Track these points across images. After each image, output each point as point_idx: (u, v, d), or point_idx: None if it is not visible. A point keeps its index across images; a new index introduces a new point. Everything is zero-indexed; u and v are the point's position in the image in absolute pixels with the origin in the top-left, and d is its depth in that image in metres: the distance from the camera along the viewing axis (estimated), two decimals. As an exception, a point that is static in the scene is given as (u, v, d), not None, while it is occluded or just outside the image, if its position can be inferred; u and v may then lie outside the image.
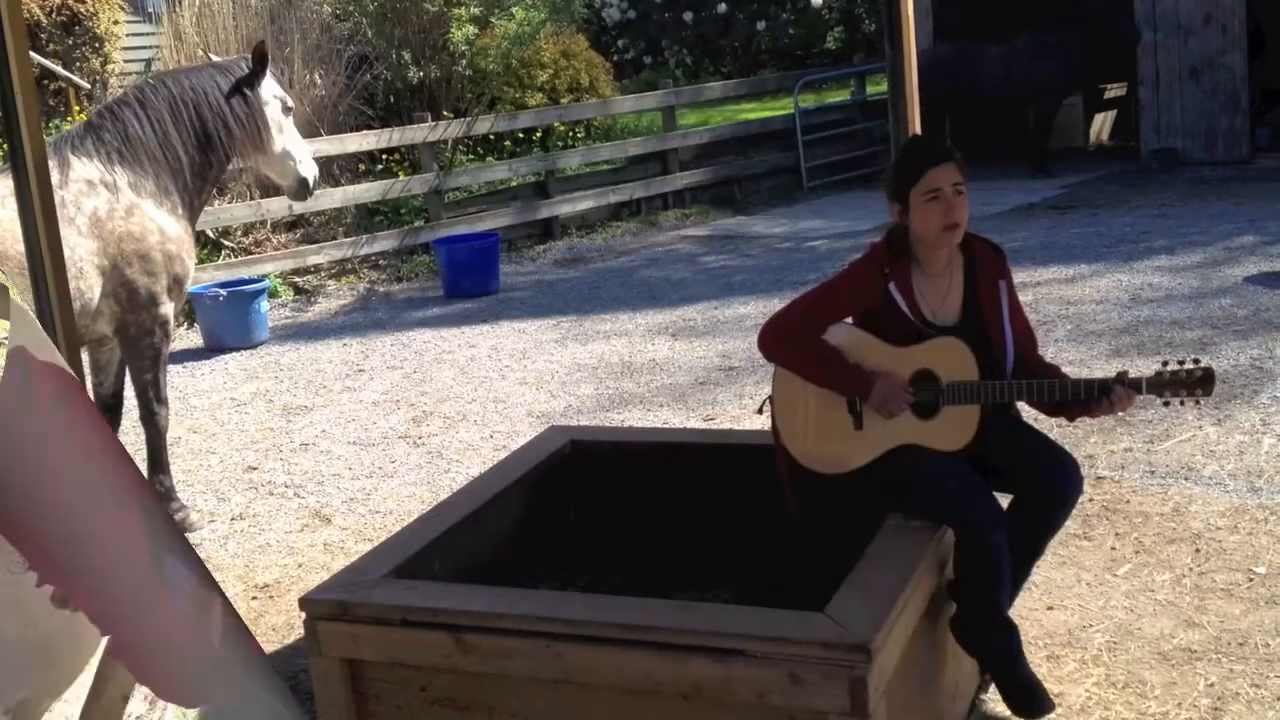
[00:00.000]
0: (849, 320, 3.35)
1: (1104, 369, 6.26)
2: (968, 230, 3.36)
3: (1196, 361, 3.19)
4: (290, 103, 5.63)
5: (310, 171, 5.72)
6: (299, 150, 5.69)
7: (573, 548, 3.98)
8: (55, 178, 5.00)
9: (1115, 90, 15.46)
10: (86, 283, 4.91)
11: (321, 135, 11.45)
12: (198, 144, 5.28)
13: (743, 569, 3.71)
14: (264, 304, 9.20)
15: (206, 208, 6.42)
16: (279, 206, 10.51)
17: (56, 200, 5.00)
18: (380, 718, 3.03)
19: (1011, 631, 3.17)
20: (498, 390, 7.20)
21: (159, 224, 5.13)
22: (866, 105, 15.22)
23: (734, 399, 6.57)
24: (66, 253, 4.83)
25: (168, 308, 5.21)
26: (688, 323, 8.46)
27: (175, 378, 8.24)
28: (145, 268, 5.08)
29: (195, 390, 7.90)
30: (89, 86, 12.71)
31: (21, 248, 4.87)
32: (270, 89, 5.50)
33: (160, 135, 5.18)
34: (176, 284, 5.23)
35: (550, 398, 6.96)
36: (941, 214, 3.22)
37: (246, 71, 5.44)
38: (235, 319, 8.93)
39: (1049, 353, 6.70)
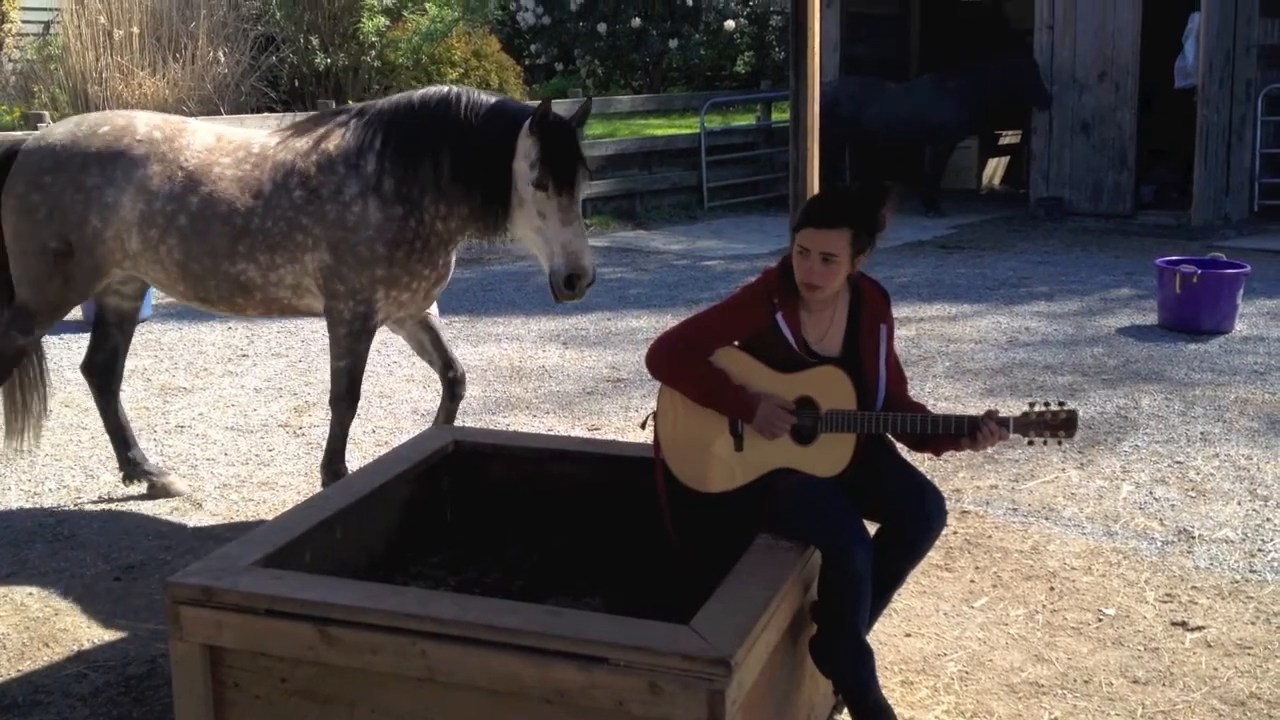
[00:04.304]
0: (735, 343, 3.43)
1: (977, 406, 6.45)
2: (861, 271, 3.47)
3: (1062, 404, 3.35)
4: (544, 179, 4.41)
5: (561, 268, 4.44)
6: (553, 238, 4.45)
7: (449, 547, 3.98)
8: (305, 145, 4.81)
9: (1010, 137, 15.95)
10: (287, 254, 4.75)
11: (221, 115, 11.25)
12: (452, 176, 4.67)
13: (616, 579, 3.75)
14: (149, 280, 9.00)
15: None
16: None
17: (287, 165, 4.82)
18: (239, 707, 3.01)
19: (866, 655, 3.26)
20: (384, 385, 7.16)
21: (379, 221, 4.70)
22: (771, 131, 15.45)
23: (620, 411, 6.63)
24: (269, 222, 4.72)
25: (365, 306, 4.80)
26: (580, 332, 8.50)
27: (50, 349, 8.01)
28: (345, 259, 4.74)
29: (70, 363, 7.69)
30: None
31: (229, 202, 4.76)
32: (525, 153, 4.46)
33: (417, 148, 4.70)
34: (381, 286, 4.78)
35: (436, 396, 6.91)
36: (802, 271, 3.35)
37: (525, 123, 4.48)
38: (117, 293, 8.72)
39: (927, 387, 6.89)
